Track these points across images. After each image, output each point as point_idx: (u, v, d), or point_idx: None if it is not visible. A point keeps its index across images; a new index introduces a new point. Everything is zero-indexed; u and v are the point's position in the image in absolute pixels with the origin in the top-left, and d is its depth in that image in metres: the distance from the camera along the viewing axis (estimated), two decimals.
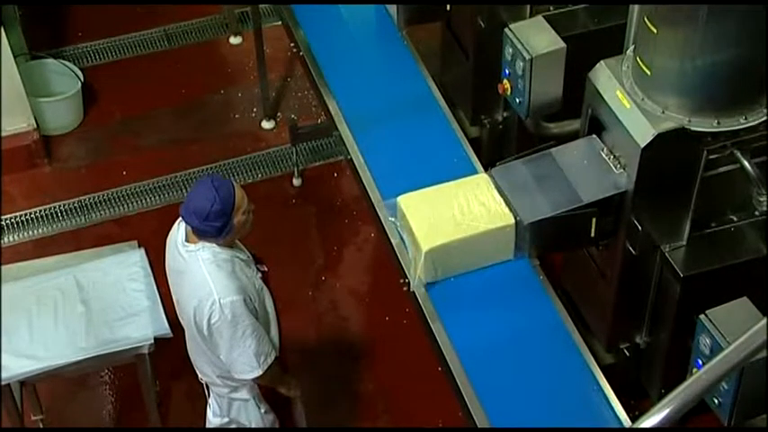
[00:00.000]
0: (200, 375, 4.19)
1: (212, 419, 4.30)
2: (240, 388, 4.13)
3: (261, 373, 3.91)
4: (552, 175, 4.06)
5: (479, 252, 4.13)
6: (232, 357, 3.86)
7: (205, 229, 3.74)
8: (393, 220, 4.27)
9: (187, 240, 3.84)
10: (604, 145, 4.02)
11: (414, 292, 4.14)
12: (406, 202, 4.19)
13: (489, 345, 3.99)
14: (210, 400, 4.28)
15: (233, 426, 4.28)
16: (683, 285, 4.00)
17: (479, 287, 4.14)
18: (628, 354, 4.47)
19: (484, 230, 4.07)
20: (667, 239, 4.04)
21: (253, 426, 4.25)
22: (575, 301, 4.59)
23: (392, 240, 4.29)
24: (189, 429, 4.85)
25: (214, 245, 3.80)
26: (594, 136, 4.05)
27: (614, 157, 3.96)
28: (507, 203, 4.10)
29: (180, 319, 4.05)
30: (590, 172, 4.01)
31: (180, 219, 3.90)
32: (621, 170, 3.92)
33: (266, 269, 4.21)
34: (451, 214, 4.11)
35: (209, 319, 3.77)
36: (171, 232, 3.95)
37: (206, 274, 3.76)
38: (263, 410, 4.25)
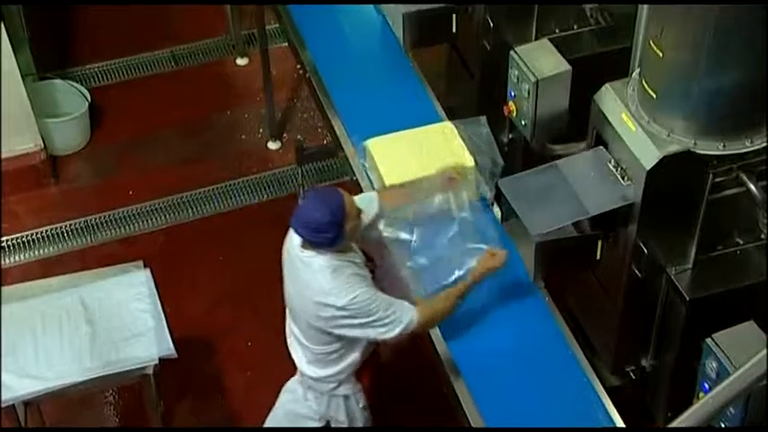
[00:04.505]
0: (297, 378, 4.17)
1: (306, 420, 4.23)
2: (344, 382, 4.10)
3: (418, 314, 3.84)
4: (559, 187, 4.04)
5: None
6: (381, 330, 3.82)
7: (318, 241, 3.75)
8: (362, 161, 4.42)
9: (303, 246, 3.83)
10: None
11: None
12: (375, 145, 4.41)
13: (492, 363, 3.99)
14: (303, 400, 4.21)
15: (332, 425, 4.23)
16: (689, 308, 3.99)
17: (482, 304, 4.13)
18: (633, 376, 4.45)
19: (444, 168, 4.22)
20: (673, 262, 4.03)
21: (356, 423, 4.21)
22: (580, 323, 4.58)
23: (361, 184, 4.42)
24: None
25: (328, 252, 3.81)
26: (601, 147, 4.03)
27: (621, 168, 3.93)
28: (514, 216, 4.07)
29: (288, 310, 4.05)
30: (597, 184, 3.99)
31: None
32: (629, 182, 3.90)
33: (375, 266, 4.20)
34: (417, 155, 4.33)
35: (335, 326, 3.80)
36: (287, 238, 3.94)
37: (322, 282, 3.76)
38: (361, 406, 4.21)
